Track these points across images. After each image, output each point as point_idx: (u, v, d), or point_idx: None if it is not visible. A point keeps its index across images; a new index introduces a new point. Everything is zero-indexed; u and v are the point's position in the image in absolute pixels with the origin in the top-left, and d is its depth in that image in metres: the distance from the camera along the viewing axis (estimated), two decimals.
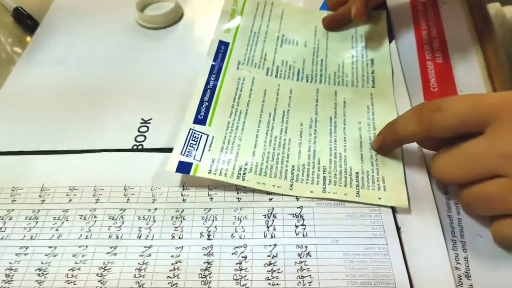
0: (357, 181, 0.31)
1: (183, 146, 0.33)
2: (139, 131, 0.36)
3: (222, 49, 0.41)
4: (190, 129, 0.34)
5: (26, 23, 0.47)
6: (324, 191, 0.31)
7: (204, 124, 0.34)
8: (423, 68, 0.40)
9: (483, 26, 0.44)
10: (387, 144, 0.32)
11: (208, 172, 0.31)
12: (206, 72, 0.38)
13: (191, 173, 0.31)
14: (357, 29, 0.43)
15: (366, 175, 0.32)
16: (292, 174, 0.32)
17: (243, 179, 0.31)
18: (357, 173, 0.32)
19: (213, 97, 0.37)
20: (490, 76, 0.39)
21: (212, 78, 0.38)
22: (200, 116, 0.35)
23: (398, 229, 0.29)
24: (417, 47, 0.42)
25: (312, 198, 0.31)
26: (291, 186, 0.31)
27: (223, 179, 0.31)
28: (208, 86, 0.37)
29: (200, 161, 0.32)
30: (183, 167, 0.31)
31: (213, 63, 0.39)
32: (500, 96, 0.27)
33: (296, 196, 0.31)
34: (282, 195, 0.31)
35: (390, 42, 0.42)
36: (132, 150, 0.35)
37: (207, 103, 0.36)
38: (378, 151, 0.33)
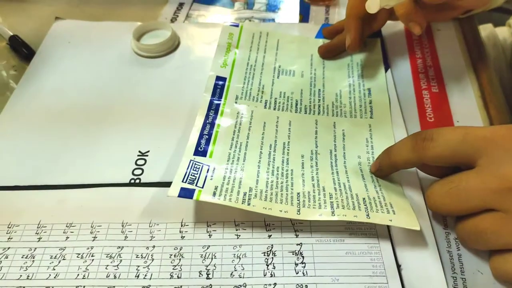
0: (365, 205, 0.30)
1: (185, 175, 0.32)
2: (136, 164, 0.36)
3: (219, 84, 0.41)
4: (191, 160, 0.33)
5: (22, 51, 0.47)
6: (333, 214, 0.30)
7: (205, 156, 0.34)
8: (419, 97, 0.40)
9: (477, 53, 0.45)
10: (383, 168, 0.33)
11: (212, 197, 0.31)
12: (204, 108, 0.38)
13: (194, 197, 0.30)
14: (353, 58, 0.44)
15: (373, 200, 0.31)
16: (298, 200, 0.31)
17: (249, 204, 0.30)
18: (363, 198, 0.31)
19: (213, 131, 0.36)
20: (486, 105, 0.40)
21: (211, 114, 0.38)
22: (200, 148, 0.35)
23: (398, 266, 0.29)
24: (413, 76, 0.42)
25: (320, 221, 0.30)
26: (298, 211, 0.30)
27: (227, 204, 0.30)
28: (207, 121, 0.37)
29: (203, 187, 0.31)
30: (186, 193, 0.31)
31: (212, 99, 0.39)
32: (491, 129, 0.28)
33: (302, 221, 0.31)
34: (290, 219, 0.31)
35: (386, 70, 0.42)
36: (129, 184, 0.35)
37: (207, 136, 0.36)
38: (375, 174, 0.34)
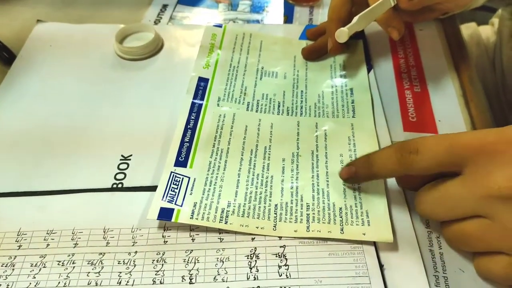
0: (341, 217, 0.31)
1: (165, 191, 0.32)
2: (119, 168, 0.36)
3: (201, 85, 0.40)
4: (171, 172, 0.34)
5: (3, 55, 0.46)
6: (308, 230, 0.31)
7: (185, 166, 0.34)
8: (402, 97, 0.41)
9: (459, 53, 0.45)
10: (360, 177, 0.32)
11: (190, 218, 0.31)
12: (186, 110, 0.38)
13: (173, 219, 0.31)
14: (336, 59, 0.44)
15: (349, 210, 0.32)
16: (276, 213, 0.32)
17: (226, 223, 0.31)
18: (340, 208, 0.32)
19: (194, 137, 0.36)
20: (467, 104, 0.40)
21: (192, 117, 0.38)
22: (181, 158, 0.35)
23: (381, 266, 0.29)
24: (395, 76, 0.43)
25: (295, 237, 0.31)
26: (274, 226, 0.31)
27: (205, 224, 0.31)
28: (189, 126, 0.37)
29: (181, 206, 0.32)
30: (165, 214, 0.31)
31: (193, 100, 0.39)
32: (477, 136, 0.27)
33: (280, 236, 0.31)
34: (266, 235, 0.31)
35: (368, 71, 0.42)
36: (111, 189, 0.34)
37: (187, 144, 0.36)
38: (346, 181, 0.33)
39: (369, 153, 0.31)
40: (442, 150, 0.27)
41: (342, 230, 0.30)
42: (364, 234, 0.30)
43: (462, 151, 0.26)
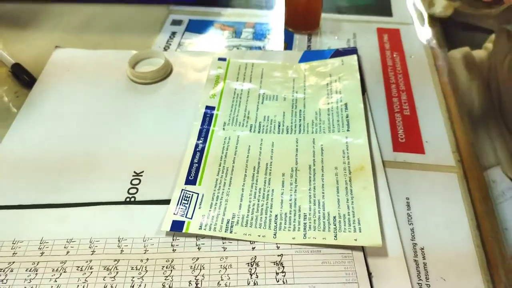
0: (335, 225, 0.34)
1: (176, 206, 0.36)
2: (131, 183, 0.39)
3: (208, 113, 0.44)
4: (182, 189, 0.37)
5: (24, 78, 0.50)
6: (304, 237, 0.34)
7: (195, 184, 0.38)
8: (392, 120, 0.44)
9: (447, 78, 0.49)
10: None
11: (199, 228, 0.35)
12: (195, 136, 0.42)
13: (184, 230, 0.34)
14: (332, 74, 0.48)
15: (342, 218, 0.35)
16: (276, 223, 0.35)
17: (231, 232, 0.34)
18: (334, 217, 0.35)
19: (202, 158, 0.40)
20: (452, 126, 0.44)
21: (200, 141, 0.42)
22: (191, 177, 0.38)
23: (369, 274, 0.32)
24: (387, 100, 0.46)
25: (293, 244, 0.34)
26: (274, 234, 0.34)
27: (212, 234, 0.34)
28: (197, 149, 0.41)
29: (191, 218, 0.35)
30: (177, 226, 0.35)
31: (201, 127, 0.43)
32: None
33: (278, 244, 0.34)
34: (266, 243, 0.34)
35: (363, 93, 0.46)
36: (125, 202, 0.38)
37: (196, 164, 0.40)
38: None
39: None
40: None
41: (335, 236, 0.34)
42: (356, 239, 0.33)
43: None
